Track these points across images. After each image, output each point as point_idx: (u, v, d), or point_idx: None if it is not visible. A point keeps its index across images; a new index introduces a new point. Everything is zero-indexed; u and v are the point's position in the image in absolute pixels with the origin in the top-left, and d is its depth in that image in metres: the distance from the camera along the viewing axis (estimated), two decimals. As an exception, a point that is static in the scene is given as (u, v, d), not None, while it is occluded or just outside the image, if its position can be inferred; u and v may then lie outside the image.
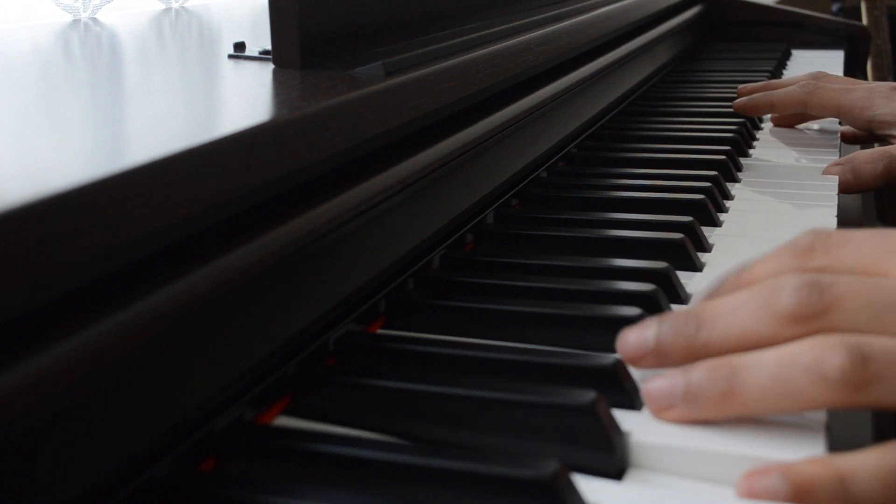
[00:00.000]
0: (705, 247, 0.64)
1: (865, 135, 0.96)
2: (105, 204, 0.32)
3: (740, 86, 1.06)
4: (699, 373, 0.40)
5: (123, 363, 0.33)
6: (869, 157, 0.80)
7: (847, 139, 0.99)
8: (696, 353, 0.41)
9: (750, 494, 0.36)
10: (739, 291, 0.41)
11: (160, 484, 0.36)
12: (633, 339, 0.42)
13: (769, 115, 1.04)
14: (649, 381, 0.41)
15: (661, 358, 0.42)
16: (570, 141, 0.86)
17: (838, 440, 0.40)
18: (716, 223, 0.69)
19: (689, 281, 0.58)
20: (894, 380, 0.36)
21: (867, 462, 0.35)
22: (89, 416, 0.32)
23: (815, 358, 0.37)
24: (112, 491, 0.34)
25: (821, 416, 0.41)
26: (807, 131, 1.01)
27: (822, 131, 1.00)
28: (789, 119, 1.02)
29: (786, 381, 0.37)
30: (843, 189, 0.78)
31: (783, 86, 1.00)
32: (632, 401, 0.43)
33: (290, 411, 0.44)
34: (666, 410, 0.40)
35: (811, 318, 0.38)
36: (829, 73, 0.99)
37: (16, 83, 0.56)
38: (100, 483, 0.33)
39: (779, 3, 1.79)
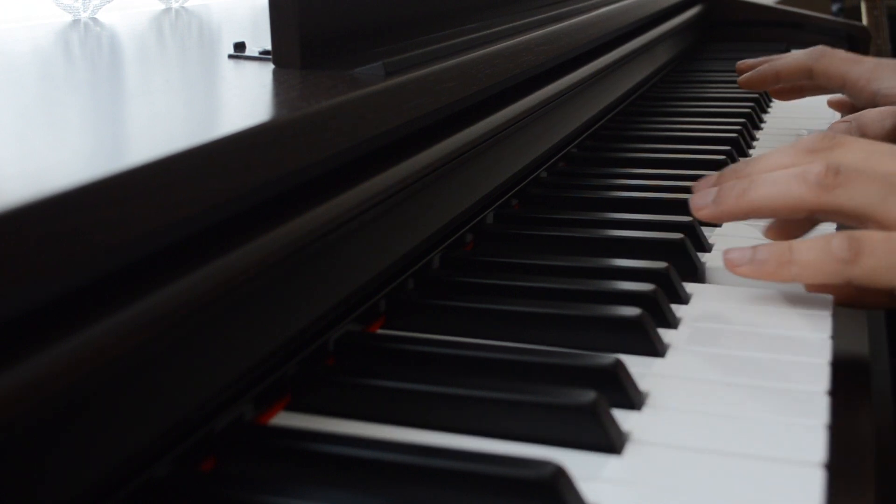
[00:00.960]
0: (705, 247, 0.64)
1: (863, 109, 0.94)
2: (105, 204, 0.32)
3: (738, 62, 1.03)
4: (729, 181, 0.56)
5: (123, 363, 0.33)
6: (877, 115, 0.79)
7: (843, 108, 0.97)
8: (744, 208, 0.55)
9: (730, 263, 0.53)
10: (782, 152, 0.56)
11: (160, 484, 0.36)
12: (700, 199, 0.57)
13: (768, 117, 1.03)
14: (692, 198, 0.58)
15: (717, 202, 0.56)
16: (570, 141, 0.86)
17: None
18: (716, 223, 0.69)
19: (689, 281, 0.58)
20: (852, 189, 0.50)
21: (810, 239, 0.51)
22: (89, 417, 0.32)
23: (804, 168, 0.52)
24: (112, 491, 0.34)
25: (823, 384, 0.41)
26: (806, 132, 1.01)
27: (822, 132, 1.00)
28: (791, 92, 0.99)
29: (781, 183, 0.53)
30: None
31: (785, 58, 0.98)
32: (632, 401, 0.43)
33: (291, 411, 0.44)
34: (701, 209, 0.57)
35: (820, 150, 0.54)
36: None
37: (16, 83, 0.56)
38: (100, 483, 0.32)
39: (779, 3, 1.79)
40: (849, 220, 0.52)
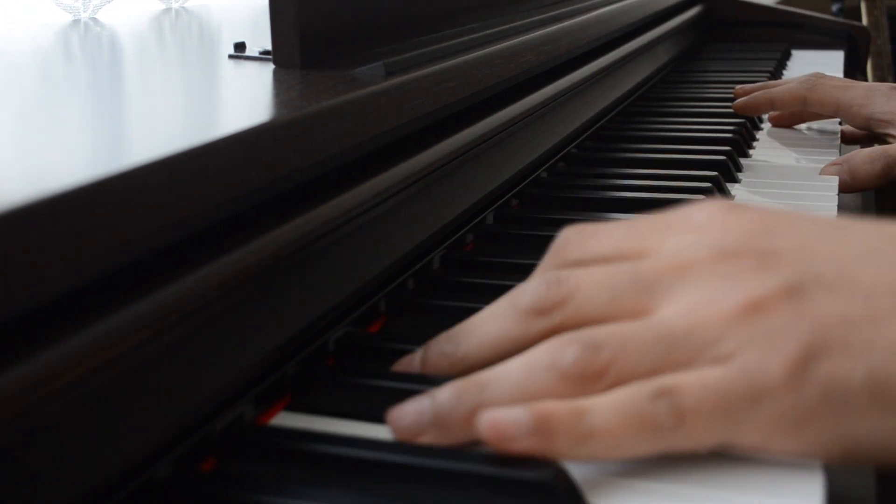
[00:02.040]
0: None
1: (864, 134, 0.96)
2: (105, 204, 0.32)
3: (737, 87, 1.05)
4: (446, 392, 0.38)
5: (123, 363, 0.33)
6: (866, 157, 0.79)
7: (846, 139, 0.98)
8: (459, 371, 0.41)
9: (494, 428, 0.35)
10: (493, 303, 0.42)
11: (160, 484, 0.36)
12: (410, 405, 0.39)
13: (768, 116, 1.03)
14: (394, 408, 0.39)
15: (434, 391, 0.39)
16: (570, 141, 0.86)
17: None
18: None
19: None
20: (627, 360, 0.36)
21: (605, 398, 0.35)
22: (89, 416, 0.32)
23: (552, 357, 0.37)
24: (112, 491, 0.34)
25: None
26: (806, 132, 1.01)
27: (821, 132, 1.00)
28: (788, 118, 1.02)
29: (529, 385, 0.37)
30: (841, 189, 0.77)
31: (781, 85, 1.00)
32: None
33: (291, 411, 0.44)
34: (416, 438, 0.38)
35: (550, 310, 0.39)
36: (828, 74, 0.99)
37: (16, 83, 0.56)
38: (100, 483, 0.33)
39: (779, 3, 1.79)
40: None
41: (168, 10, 1.03)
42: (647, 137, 0.93)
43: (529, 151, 0.74)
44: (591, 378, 0.36)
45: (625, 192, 0.74)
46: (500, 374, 0.37)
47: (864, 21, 2.10)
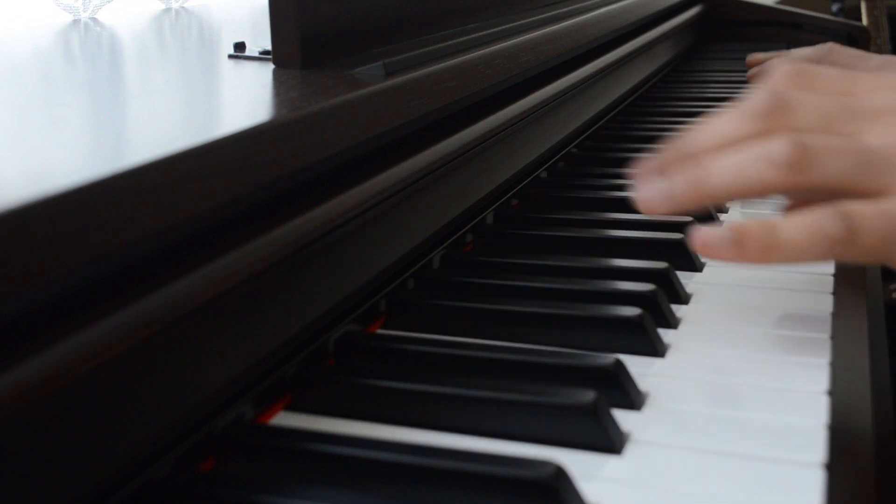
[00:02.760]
0: (705, 247, 0.64)
1: None
2: (105, 204, 0.32)
3: (749, 56, 1.02)
4: (677, 173, 0.49)
5: (123, 363, 0.33)
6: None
7: None
8: (687, 161, 0.49)
9: (702, 243, 0.46)
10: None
11: (160, 484, 0.36)
12: (646, 163, 0.51)
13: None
14: (639, 189, 0.50)
15: (664, 173, 0.50)
16: (570, 141, 0.86)
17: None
18: (715, 223, 0.69)
19: (689, 281, 0.58)
20: (826, 164, 0.45)
21: (797, 216, 0.45)
22: (89, 416, 0.32)
23: (766, 148, 0.46)
24: (112, 491, 0.34)
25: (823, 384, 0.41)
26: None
27: None
28: None
29: (743, 167, 0.46)
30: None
31: (792, 53, 0.97)
32: (632, 401, 0.43)
33: (291, 411, 0.44)
34: (648, 203, 0.50)
35: (770, 115, 0.48)
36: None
37: (16, 83, 0.56)
38: (100, 483, 0.33)
39: (779, 3, 1.79)
40: (821, 194, 0.47)
41: (168, 10, 1.02)
42: (648, 137, 0.93)
43: (529, 151, 0.74)
44: (794, 169, 0.45)
45: (625, 192, 0.74)
46: (720, 158, 0.47)
47: (864, 21, 2.10)
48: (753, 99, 0.48)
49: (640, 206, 0.50)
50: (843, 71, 0.51)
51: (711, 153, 0.48)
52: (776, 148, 0.46)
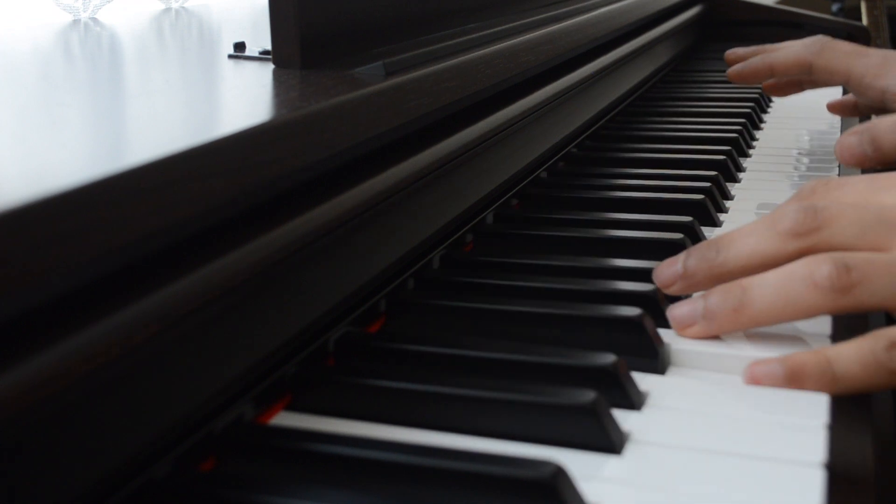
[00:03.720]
0: (705, 247, 0.64)
1: (868, 109, 0.85)
2: (105, 204, 0.32)
3: (728, 51, 0.94)
4: (715, 294, 0.48)
5: (123, 363, 0.33)
6: (892, 126, 0.65)
7: (845, 110, 0.88)
8: (715, 275, 0.49)
9: (753, 379, 0.44)
10: (752, 222, 0.50)
11: (160, 484, 0.36)
12: (666, 268, 0.51)
13: (768, 117, 1.03)
14: (673, 306, 0.49)
15: (688, 281, 0.50)
16: (570, 141, 0.86)
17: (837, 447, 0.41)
18: (716, 223, 0.69)
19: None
20: (872, 284, 0.44)
21: (848, 347, 0.43)
22: (89, 416, 0.32)
23: (809, 270, 0.45)
24: (112, 491, 0.34)
25: (823, 419, 0.41)
26: (807, 133, 1.01)
27: (822, 132, 1.00)
28: (786, 87, 0.91)
29: (786, 292, 0.45)
30: (860, 164, 0.66)
31: (779, 49, 0.89)
32: (632, 401, 0.43)
33: (291, 411, 0.44)
34: (688, 328, 0.48)
35: (806, 234, 0.47)
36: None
37: (16, 83, 0.56)
38: (100, 483, 0.33)
39: (779, 3, 1.79)
40: (866, 312, 0.47)
41: (168, 10, 1.02)
42: (647, 137, 0.93)
43: (529, 151, 0.74)
44: (839, 292, 0.44)
45: (625, 192, 0.74)
46: (761, 281, 0.47)
47: (864, 21, 2.10)
48: (786, 214, 0.48)
49: (676, 328, 0.49)
50: (869, 177, 0.50)
51: (749, 274, 0.48)
52: (819, 270, 0.45)
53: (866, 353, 0.43)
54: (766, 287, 0.46)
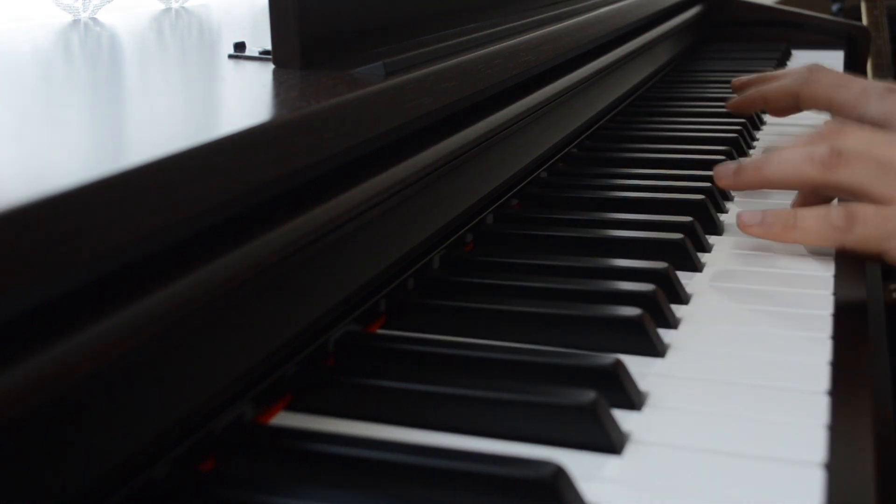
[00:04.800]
0: (705, 247, 0.64)
1: None
2: (105, 204, 0.32)
3: (734, 79, 1.01)
4: (749, 159, 0.67)
5: (123, 363, 0.33)
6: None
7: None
8: (759, 179, 0.65)
9: (741, 224, 0.62)
10: (792, 148, 0.64)
11: (160, 484, 0.36)
12: (724, 167, 0.67)
13: (768, 118, 1.03)
14: (718, 167, 0.68)
15: (737, 178, 0.66)
16: (570, 141, 0.86)
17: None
18: (716, 223, 0.69)
19: (689, 281, 0.58)
20: (852, 168, 0.58)
21: (813, 208, 0.60)
22: (89, 417, 0.32)
23: (811, 149, 0.61)
24: (112, 491, 0.34)
25: (823, 383, 0.41)
26: (807, 132, 1.00)
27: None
28: (781, 111, 0.97)
29: (791, 160, 0.61)
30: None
31: (776, 78, 0.96)
32: (632, 401, 0.43)
33: (291, 411, 0.44)
34: (725, 180, 0.67)
35: (828, 136, 0.61)
36: (827, 67, 0.93)
37: (16, 83, 0.56)
38: (100, 483, 0.33)
39: (779, 3, 1.79)
40: (847, 196, 0.60)
41: (168, 10, 1.02)
42: (647, 137, 0.93)
43: (529, 151, 0.74)
44: (825, 168, 0.59)
45: (625, 192, 0.74)
46: (780, 150, 0.64)
47: (864, 21, 2.10)
48: (818, 150, 0.60)
49: (716, 180, 0.68)
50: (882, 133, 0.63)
51: (782, 187, 0.65)
52: (818, 148, 0.60)
53: (822, 211, 0.59)
54: (781, 157, 0.63)
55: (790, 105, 0.95)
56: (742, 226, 0.62)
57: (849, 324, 0.53)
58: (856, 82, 0.90)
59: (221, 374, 0.39)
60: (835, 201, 0.65)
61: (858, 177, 0.58)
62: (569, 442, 0.40)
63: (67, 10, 0.90)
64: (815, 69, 0.92)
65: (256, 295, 0.41)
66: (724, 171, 0.66)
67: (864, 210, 0.57)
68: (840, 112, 0.88)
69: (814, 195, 0.64)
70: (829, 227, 0.58)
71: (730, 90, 1.14)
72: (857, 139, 0.61)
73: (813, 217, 0.59)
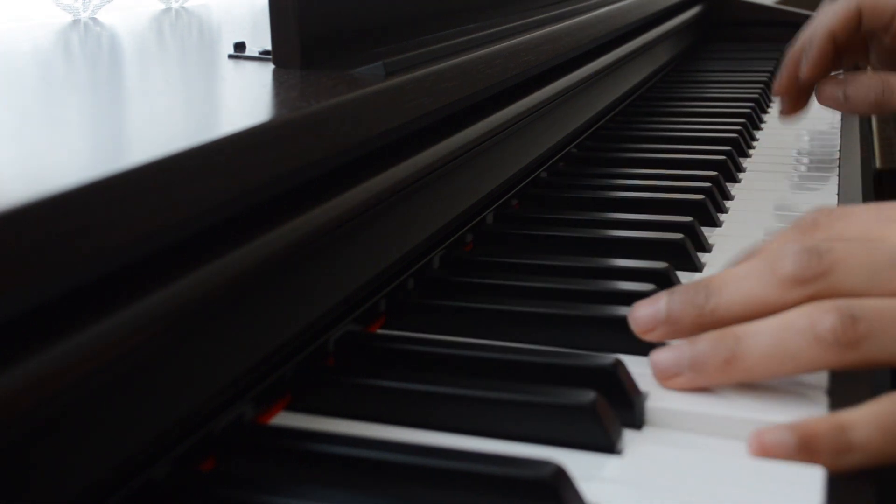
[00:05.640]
0: (705, 247, 0.64)
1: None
2: (105, 204, 0.32)
3: (775, 85, 0.87)
4: (704, 342, 0.42)
5: (123, 363, 0.33)
6: (864, 86, 0.76)
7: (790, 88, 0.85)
8: (705, 322, 0.43)
9: (761, 449, 0.38)
10: (746, 261, 0.44)
11: (160, 484, 0.36)
12: (645, 310, 0.44)
13: (769, 117, 1.02)
14: (656, 352, 0.44)
15: (672, 327, 0.44)
16: (570, 141, 0.86)
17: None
18: (716, 223, 0.69)
19: (689, 281, 0.58)
20: (883, 337, 0.38)
21: (864, 412, 0.38)
22: (89, 416, 0.32)
23: (810, 321, 0.39)
24: (112, 491, 0.34)
25: (822, 381, 0.41)
26: (806, 133, 1.01)
27: (822, 132, 1.00)
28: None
29: (784, 344, 0.40)
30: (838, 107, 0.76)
31: (803, 46, 0.83)
32: (631, 401, 0.43)
33: (291, 411, 0.44)
34: (672, 379, 0.43)
35: (811, 281, 0.41)
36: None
37: (16, 83, 0.56)
38: (100, 483, 0.33)
39: (779, 3, 1.79)
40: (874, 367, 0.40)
41: (168, 10, 1.02)
42: (647, 137, 0.93)
43: (529, 151, 0.74)
44: (845, 346, 0.39)
45: (625, 192, 0.74)
46: (756, 330, 0.41)
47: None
48: (786, 256, 0.41)
49: (659, 377, 0.43)
50: (875, 206, 0.44)
51: (743, 321, 0.42)
52: (822, 322, 0.39)
53: (884, 414, 0.37)
54: (763, 337, 0.40)
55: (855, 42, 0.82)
56: (659, 377, 0.43)
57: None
58: None
59: (221, 374, 0.39)
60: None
61: (892, 346, 0.39)
62: (569, 442, 0.40)
63: (67, 10, 0.90)
64: None
65: (256, 295, 0.41)
66: (671, 362, 0.43)
67: (870, 314, 0.39)
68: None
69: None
70: (818, 347, 0.39)
71: (730, 90, 1.15)
72: (855, 274, 0.41)
73: (874, 427, 0.37)
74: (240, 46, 0.64)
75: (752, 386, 0.45)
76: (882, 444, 0.37)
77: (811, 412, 0.42)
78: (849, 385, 0.45)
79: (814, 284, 0.41)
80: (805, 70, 0.82)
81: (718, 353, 0.41)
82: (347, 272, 0.48)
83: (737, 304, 0.42)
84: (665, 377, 0.43)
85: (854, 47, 0.84)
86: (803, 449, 0.37)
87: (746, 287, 0.42)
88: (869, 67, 0.80)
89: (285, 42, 0.55)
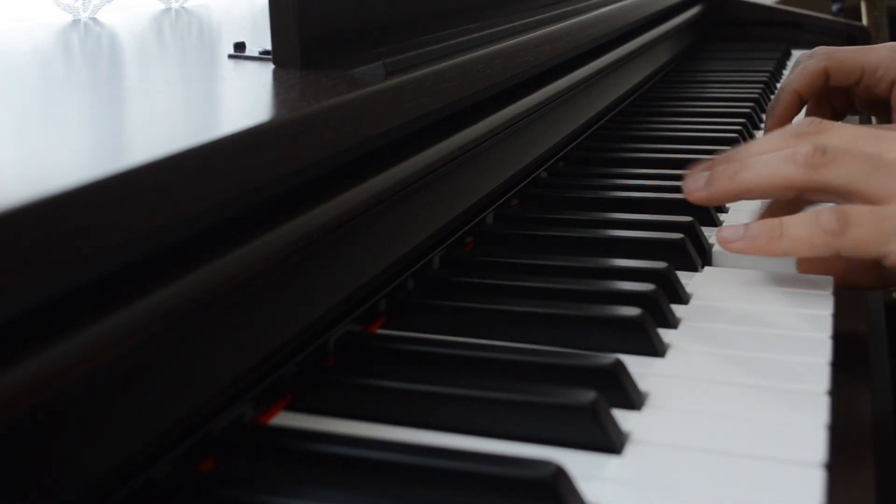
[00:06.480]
0: (705, 247, 0.64)
1: (869, 102, 0.86)
2: (105, 204, 0.32)
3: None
4: (721, 161, 0.58)
5: (123, 363, 0.33)
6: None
7: (859, 102, 0.88)
8: (734, 189, 0.56)
9: (721, 240, 0.55)
10: (769, 145, 0.57)
11: (160, 484, 0.36)
12: (694, 173, 0.59)
13: (772, 108, 1.01)
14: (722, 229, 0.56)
15: (710, 189, 0.57)
16: (570, 141, 0.86)
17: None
18: (715, 223, 0.69)
19: (689, 281, 0.58)
20: (840, 167, 0.52)
21: (799, 215, 0.53)
22: (89, 416, 0.32)
23: (793, 149, 0.54)
24: (112, 491, 0.34)
25: (823, 382, 0.41)
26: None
27: None
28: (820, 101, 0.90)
29: (772, 165, 0.54)
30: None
31: (785, 91, 0.86)
32: (632, 401, 0.43)
33: (291, 411, 0.44)
34: (695, 191, 0.58)
35: (809, 133, 0.56)
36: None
37: (16, 83, 0.56)
38: (100, 483, 0.32)
39: (779, 3, 1.79)
40: (835, 198, 0.54)
41: (168, 10, 1.02)
42: (647, 137, 0.93)
43: (529, 151, 0.74)
44: (811, 168, 0.53)
45: (625, 192, 0.74)
46: (759, 158, 0.55)
47: (864, 21, 2.10)
48: (800, 151, 0.54)
49: (686, 194, 0.58)
50: (852, 126, 0.56)
51: (751, 155, 0.56)
52: (799, 148, 0.53)
53: (811, 216, 0.52)
54: (758, 161, 0.55)
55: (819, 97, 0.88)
56: (723, 242, 0.54)
57: (849, 323, 0.53)
58: (880, 45, 0.85)
59: (221, 373, 0.39)
60: (813, 208, 0.57)
61: (848, 175, 0.52)
62: (569, 442, 0.40)
63: (67, 10, 0.90)
64: (820, 48, 0.86)
65: (256, 295, 0.41)
66: (695, 183, 0.58)
67: (857, 211, 0.51)
68: (873, 76, 0.83)
69: (791, 204, 0.59)
70: (821, 232, 0.51)
71: (730, 90, 1.15)
72: (840, 136, 0.55)
73: (801, 223, 0.52)
74: (240, 46, 0.64)
75: (753, 387, 0.45)
76: (804, 235, 0.51)
77: (811, 412, 0.42)
78: (849, 385, 0.45)
79: (809, 137, 0.55)
80: (768, 126, 0.86)
81: (726, 171, 0.56)
82: (347, 272, 0.48)
83: (760, 179, 0.55)
84: (688, 193, 0.58)
85: (837, 95, 0.89)
86: (747, 235, 0.53)
87: (767, 167, 0.55)
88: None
89: (285, 42, 0.55)
